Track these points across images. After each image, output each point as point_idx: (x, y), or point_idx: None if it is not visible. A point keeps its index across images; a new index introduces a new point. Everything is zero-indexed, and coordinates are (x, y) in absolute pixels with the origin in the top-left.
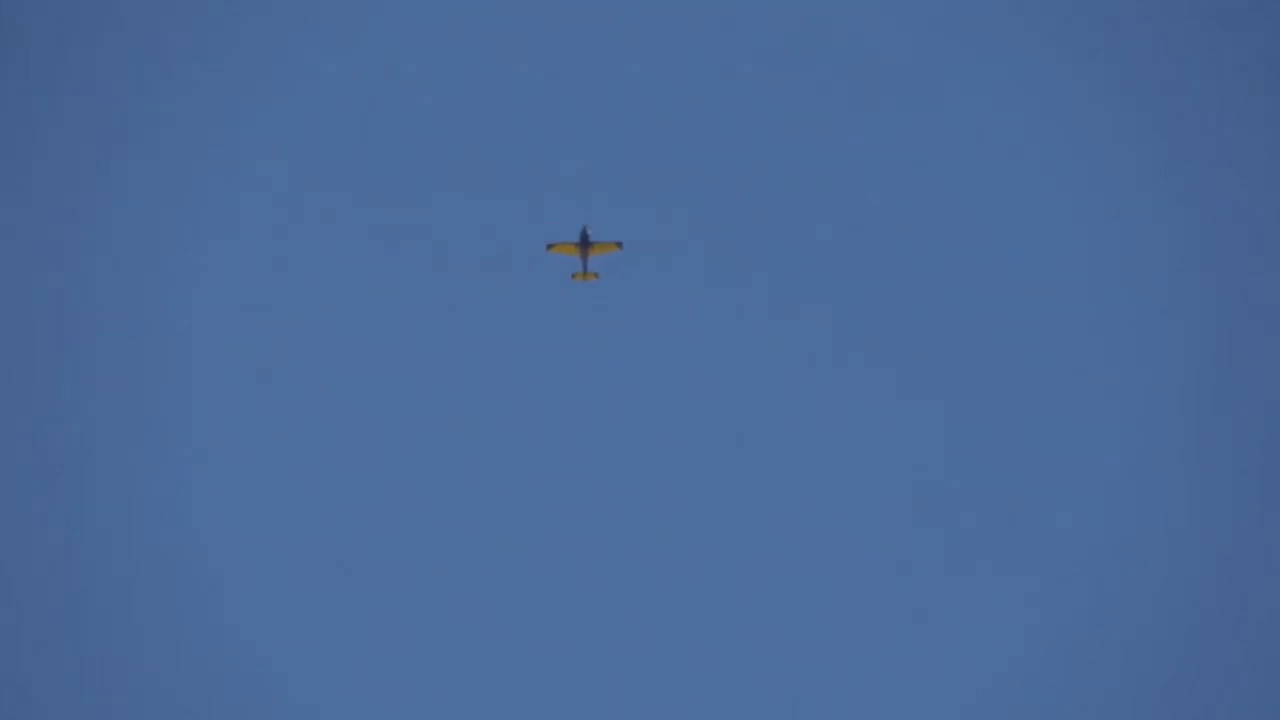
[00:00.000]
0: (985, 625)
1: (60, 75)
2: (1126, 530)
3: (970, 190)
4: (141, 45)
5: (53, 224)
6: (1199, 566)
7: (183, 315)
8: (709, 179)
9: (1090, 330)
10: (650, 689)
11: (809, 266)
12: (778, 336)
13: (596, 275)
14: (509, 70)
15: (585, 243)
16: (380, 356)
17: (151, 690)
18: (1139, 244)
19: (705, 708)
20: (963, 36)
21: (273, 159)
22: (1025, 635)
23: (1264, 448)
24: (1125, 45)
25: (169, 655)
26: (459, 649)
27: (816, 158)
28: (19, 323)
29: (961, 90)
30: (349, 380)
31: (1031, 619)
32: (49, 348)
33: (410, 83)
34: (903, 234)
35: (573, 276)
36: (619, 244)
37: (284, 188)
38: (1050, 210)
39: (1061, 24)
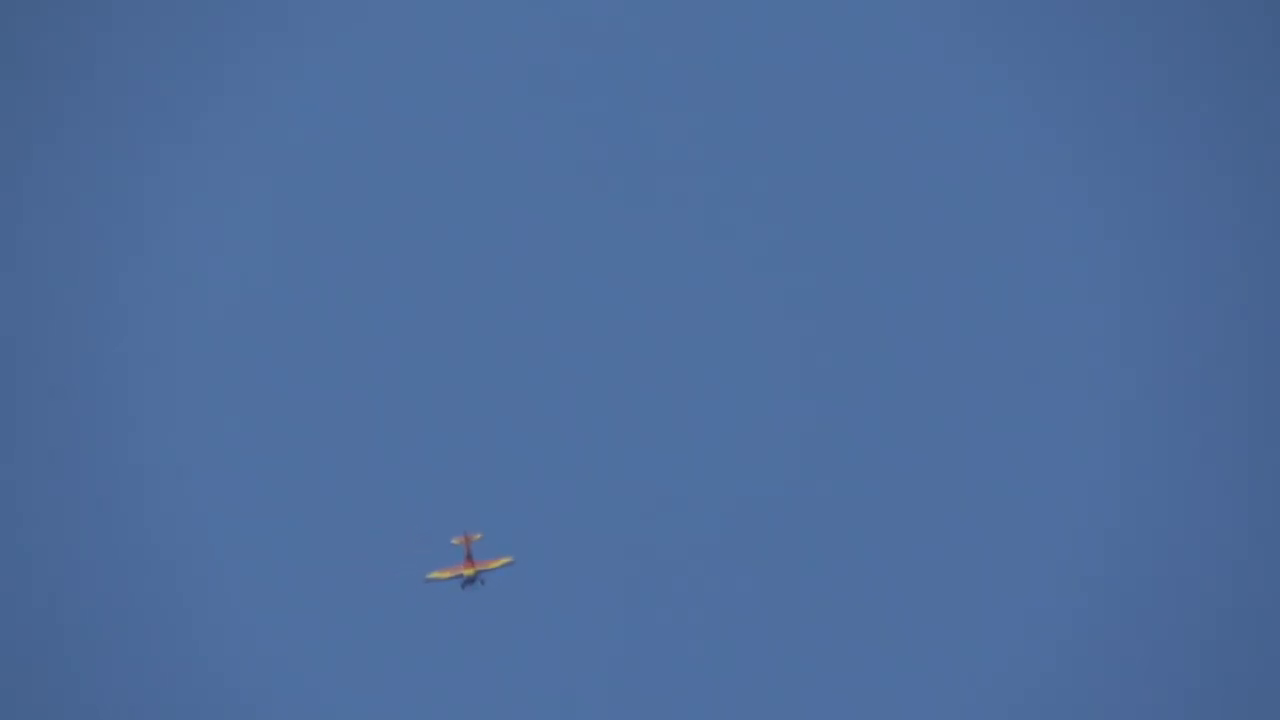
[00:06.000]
0: (980, 625)
1: (53, 76)
2: (1115, 531)
3: (964, 192)
4: (138, 47)
5: (37, 225)
6: (1195, 566)
7: (168, 318)
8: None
9: (1084, 332)
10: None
11: (806, 265)
12: (772, 336)
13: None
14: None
15: (472, 577)
16: (370, 357)
17: (147, 690)
18: (1128, 245)
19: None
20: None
21: (264, 162)
22: (1018, 635)
23: (1246, 446)
24: (1118, 48)
25: (164, 655)
26: (450, 648)
27: (811, 158)
28: (9, 323)
29: (947, 92)
30: (338, 381)
31: (1025, 620)
32: (42, 349)
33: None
34: (893, 235)
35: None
36: (510, 559)
37: (279, 188)
38: (1044, 211)
39: (1054, 27)
